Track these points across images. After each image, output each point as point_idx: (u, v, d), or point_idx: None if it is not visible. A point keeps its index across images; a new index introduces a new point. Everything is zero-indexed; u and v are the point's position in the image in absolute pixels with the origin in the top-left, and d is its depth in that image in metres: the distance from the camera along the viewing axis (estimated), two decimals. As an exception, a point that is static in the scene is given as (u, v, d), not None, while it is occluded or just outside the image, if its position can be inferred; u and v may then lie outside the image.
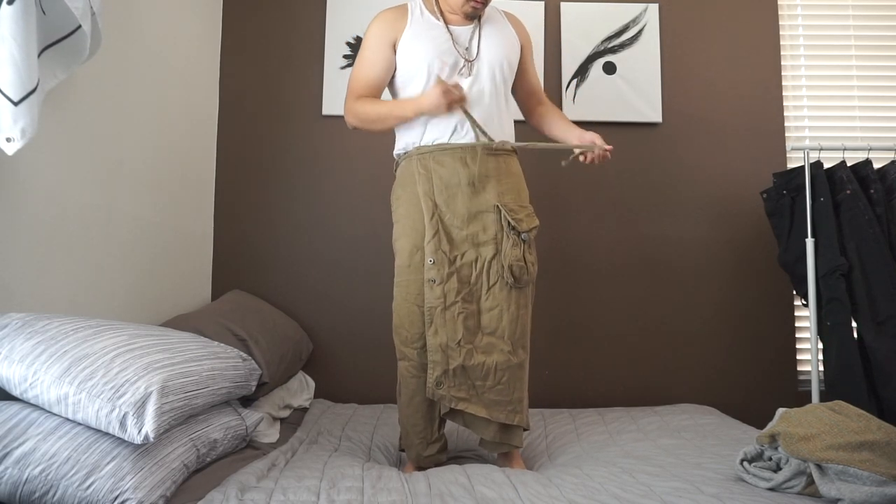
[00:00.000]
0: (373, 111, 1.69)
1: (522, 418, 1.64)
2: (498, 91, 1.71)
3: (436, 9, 1.74)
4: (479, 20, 1.76)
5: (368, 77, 1.72)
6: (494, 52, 1.71)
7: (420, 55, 1.68)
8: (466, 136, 1.66)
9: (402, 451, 1.75)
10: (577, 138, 1.72)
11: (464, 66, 1.69)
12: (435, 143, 1.67)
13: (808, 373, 2.51)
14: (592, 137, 1.70)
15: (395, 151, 1.78)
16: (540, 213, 1.77)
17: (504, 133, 1.72)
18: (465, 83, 1.67)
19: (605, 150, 1.68)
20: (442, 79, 1.62)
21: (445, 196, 1.65)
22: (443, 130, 1.67)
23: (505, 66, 1.72)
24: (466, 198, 1.64)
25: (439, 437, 1.68)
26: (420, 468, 1.66)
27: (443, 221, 1.64)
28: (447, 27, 1.72)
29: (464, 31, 1.73)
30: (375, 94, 1.74)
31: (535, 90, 1.90)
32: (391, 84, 1.78)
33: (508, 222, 1.63)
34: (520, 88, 1.88)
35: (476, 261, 1.63)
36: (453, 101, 1.60)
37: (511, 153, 1.74)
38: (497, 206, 1.64)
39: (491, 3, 1.80)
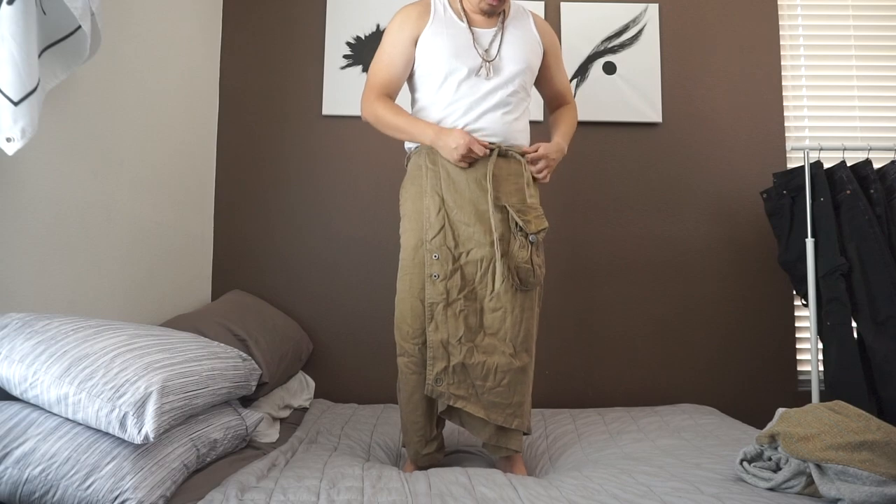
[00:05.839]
0: (392, 120, 1.69)
1: (522, 422, 1.62)
2: (516, 93, 1.70)
3: (460, 8, 1.74)
4: (503, 22, 1.75)
5: (388, 73, 1.73)
6: (515, 54, 1.70)
7: (438, 54, 1.68)
8: (477, 135, 1.66)
9: (405, 447, 1.74)
10: (542, 148, 1.71)
11: (482, 67, 1.68)
12: None
13: (808, 373, 2.51)
14: (542, 150, 1.69)
15: (407, 145, 1.78)
16: (540, 214, 1.77)
17: (519, 135, 1.72)
18: (484, 85, 1.67)
19: (540, 168, 1.70)
20: (476, 139, 1.61)
21: (453, 192, 1.64)
22: (455, 125, 1.66)
23: (525, 70, 1.72)
24: (474, 195, 1.63)
25: (437, 434, 1.67)
26: (419, 467, 1.66)
27: (449, 217, 1.63)
28: (470, 28, 1.71)
29: (486, 32, 1.72)
30: (394, 90, 1.75)
31: (560, 92, 1.90)
32: (409, 78, 1.78)
33: (516, 223, 1.62)
34: (545, 90, 1.90)
35: (482, 260, 1.61)
36: (465, 160, 1.61)
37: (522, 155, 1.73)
38: (505, 206, 1.63)
39: (519, 4, 1.81)
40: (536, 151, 1.69)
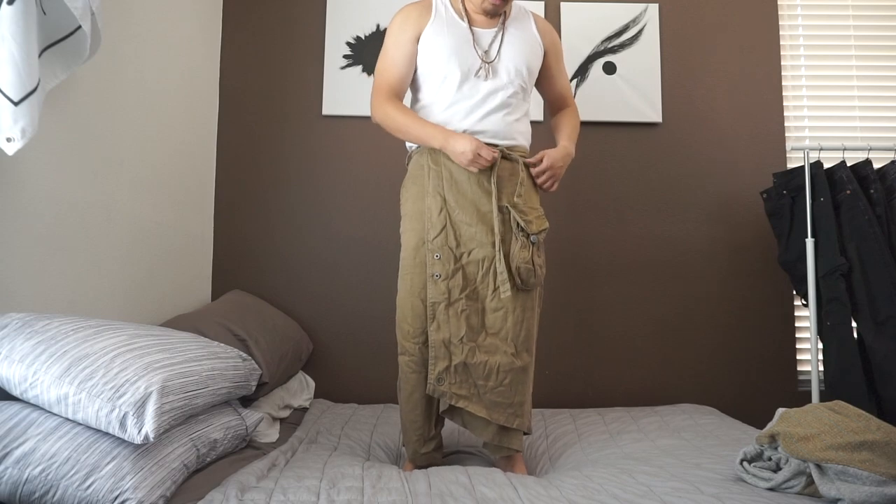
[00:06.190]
0: (402, 123, 1.67)
1: (523, 422, 1.62)
2: (517, 94, 1.70)
3: (461, 8, 1.74)
4: (504, 22, 1.75)
5: (393, 73, 1.72)
6: (515, 55, 1.70)
7: (438, 53, 1.68)
8: (480, 137, 1.66)
9: (404, 446, 1.74)
10: (546, 159, 1.70)
11: (481, 68, 1.68)
12: None
13: (808, 373, 2.51)
14: (546, 162, 1.68)
15: (408, 144, 1.78)
16: (540, 214, 1.77)
17: (519, 136, 1.72)
18: (484, 86, 1.67)
19: (546, 177, 1.69)
20: (483, 144, 1.59)
21: (455, 192, 1.64)
22: (457, 128, 1.66)
23: (524, 71, 1.71)
24: (476, 196, 1.63)
25: (436, 434, 1.67)
26: (417, 466, 1.66)
27: (451, 217, 1.63)
28: (470, 28, 1.71)
29: (487, 32, 1.72)
30: (401, 90, 1.74)
31: (561, 94, 1.89)
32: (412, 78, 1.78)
33: (518, 223, 1.62)
34: (546, 91, 1.89)
35: (483, 260, 1.62)
36: (474, 165, 1.59)
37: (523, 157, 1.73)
38: (506, 206, 1.63)
39: (520, 5, 1.81)
40: (541, 162, 1.68)
